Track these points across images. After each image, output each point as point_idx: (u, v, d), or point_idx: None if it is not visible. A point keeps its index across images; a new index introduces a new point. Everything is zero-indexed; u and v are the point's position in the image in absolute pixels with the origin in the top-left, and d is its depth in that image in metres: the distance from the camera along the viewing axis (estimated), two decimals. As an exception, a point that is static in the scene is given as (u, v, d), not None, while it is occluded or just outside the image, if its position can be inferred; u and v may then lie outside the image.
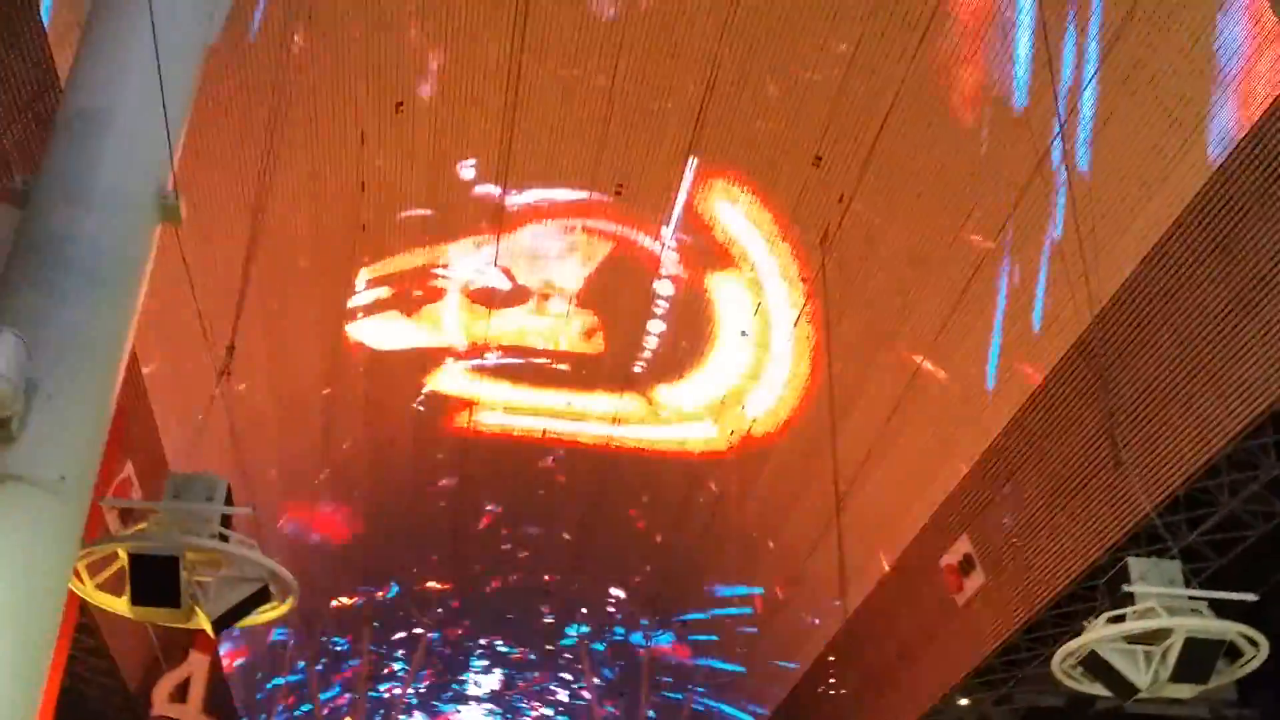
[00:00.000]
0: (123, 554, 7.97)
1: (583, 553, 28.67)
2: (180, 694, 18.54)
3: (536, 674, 35.88)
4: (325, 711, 31.49)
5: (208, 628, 8.32)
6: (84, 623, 13.76)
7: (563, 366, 21.87)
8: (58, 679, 12.56)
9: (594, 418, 22.98)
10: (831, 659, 22.31)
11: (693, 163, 16.95)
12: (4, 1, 9.21)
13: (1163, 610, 8.86)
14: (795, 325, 18.67)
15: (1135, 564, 9.29)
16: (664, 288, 19.69)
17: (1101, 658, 9.00)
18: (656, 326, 20.56)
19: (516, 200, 18.06)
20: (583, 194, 18.07)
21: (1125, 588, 9.06)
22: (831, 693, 22.53)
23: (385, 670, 33.28)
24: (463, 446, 23.85)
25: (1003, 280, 15.38)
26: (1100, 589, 9.90)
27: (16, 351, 5.83)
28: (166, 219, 7.29)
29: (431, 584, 30.66)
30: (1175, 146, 11.74)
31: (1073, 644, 9.24)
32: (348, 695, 32.38)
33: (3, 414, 5.82)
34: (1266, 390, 10.98)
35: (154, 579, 7.91)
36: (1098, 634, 8.99)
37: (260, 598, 8.40)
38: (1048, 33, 12.18)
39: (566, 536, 28.35)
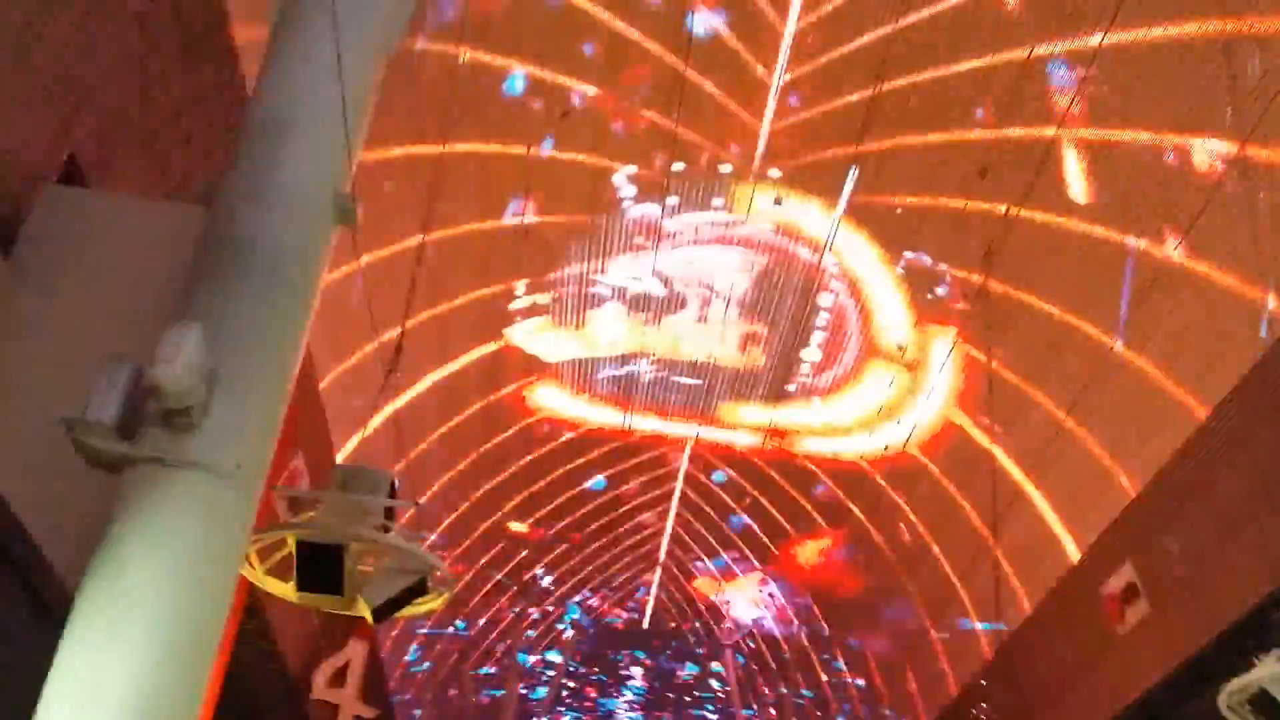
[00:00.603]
0: (291, 541, 8.24)
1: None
2: (339, 679, 19.04)
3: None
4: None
5: (368, 616, 8.55)
6: (250, 605, 14.24)
7: (720, 376, 21.88)
8: (225, 658, 13.04)
9: (745, 427, 22.94)
10: (983, 685, 21.76)
11: (855, 172, 16.81)
12: (194, 16, 9.66)
13: (1340, 649, 8.42)
14: (955, 343, 18.32)
15: (1312, 600, 8.84)
16: (825, 300, 19.56)
17: (1272, 696, 8.59)
18: (817, 338, 20.43)
19: (676, 209, 18.16)
20: (745, 196, 18.09)
21: (1301, 624, 8.63)
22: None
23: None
24: (616, 450, 24.06)
25: (1178, 298, 14.82)
26: (1274, 623, 9.45)
27: (200, 344, 6.10)
28: (343, 221, 7.53)
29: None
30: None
31: (1243, 679, 8.83)
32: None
33: (187, 403, 6.09)
34: None
35: (319, 567, 8.16)
36: (1269, 670, 8.59)
37: (418, 590, 8.60)
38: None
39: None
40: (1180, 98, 13.09)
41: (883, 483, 22.58)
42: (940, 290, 18.13)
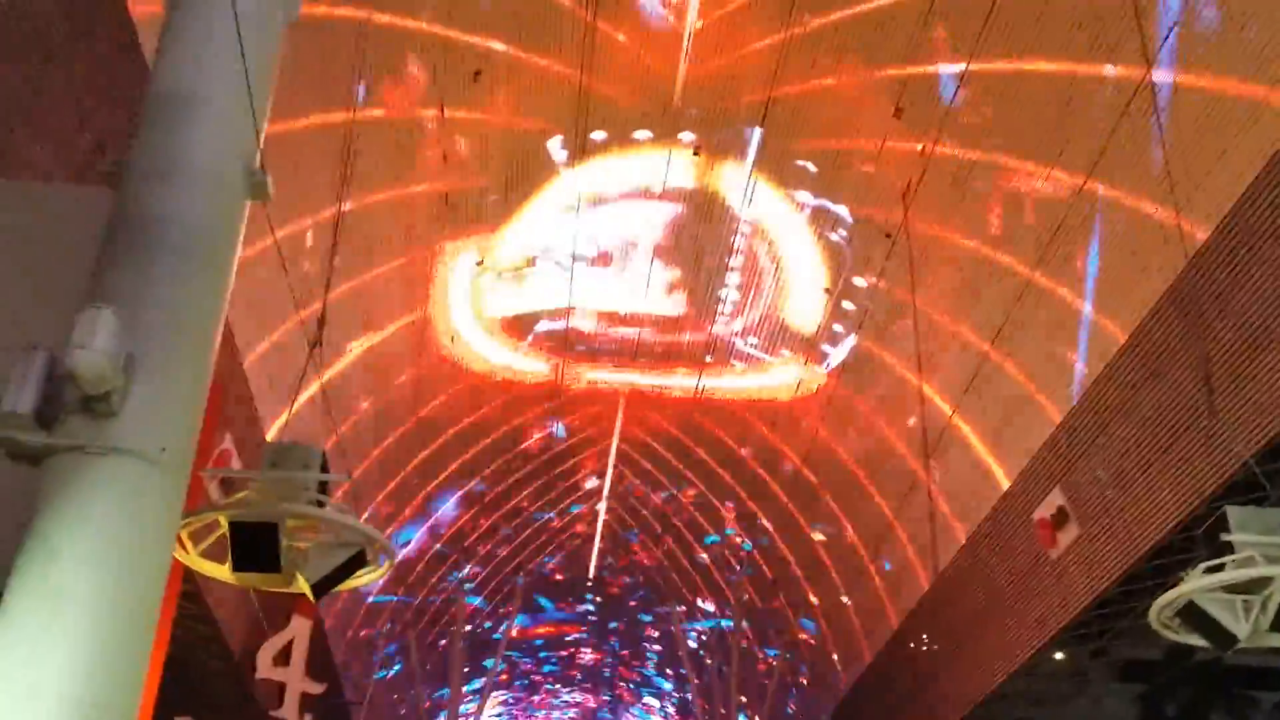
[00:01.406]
0: (223, 522, 8.17)
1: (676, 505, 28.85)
2: (284, 658, 19.01)
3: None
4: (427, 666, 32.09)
5: (308, 592, 8.52)
6: (188, 590, 14.14)
7: (647, 325, 21.95)
8: (164, 644, 12.95)
9: (680, 373, 23.09)
10: (923, 615, 22.21)
11: (769, 118, 16.85)
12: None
13: (1262, 559, 8.68)
14: (879, 279, 18.52)
15: (1234, 512, 9.10)
16: (744, 244, 19.65)
17: (1200, 608, 8.85)
18: (735, 279, 20.55)
19: (594, 164, 18.11)
20: (662, 155, 18.07)
21: (1224, 537, 8.88)
22: (924, 649, 22.43)
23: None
24: (552, 409, 24.08)
25: (1094, 225, 15.09)
26: (1198, 539, 9.74)
27: (116, 327, 6.00)
28: (255, 196, 7.42)
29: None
30: (1270, 82, 11.40)
31: (1170, 595, 9.09)
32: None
33: (103, 388, 5.99)
34: (1369, 332, 10.66)
35: (254, 545, 8.11)
36: (1195, 584, 8.84)
37: (358, 562, 8.58)
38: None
39: (664, 494, 28.54)
40: (1087, 29, 13.26)
41: (809, 423, 22.85)
42: (849, 230, 18.30)
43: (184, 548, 8.35)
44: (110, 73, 10.30)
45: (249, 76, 7.21)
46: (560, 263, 20.37)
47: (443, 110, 16.22)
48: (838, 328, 20.62)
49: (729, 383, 23.10)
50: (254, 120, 7.29)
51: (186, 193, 7.07)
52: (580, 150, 17.62)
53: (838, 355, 21.07)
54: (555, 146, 17.76)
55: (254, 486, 8.60)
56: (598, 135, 17.57)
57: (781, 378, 22.35)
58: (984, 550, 18.74)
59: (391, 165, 16.65)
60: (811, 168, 17.89)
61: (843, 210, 18.38)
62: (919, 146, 16.08)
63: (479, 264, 19.80)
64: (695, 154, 17.97)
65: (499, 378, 22.79)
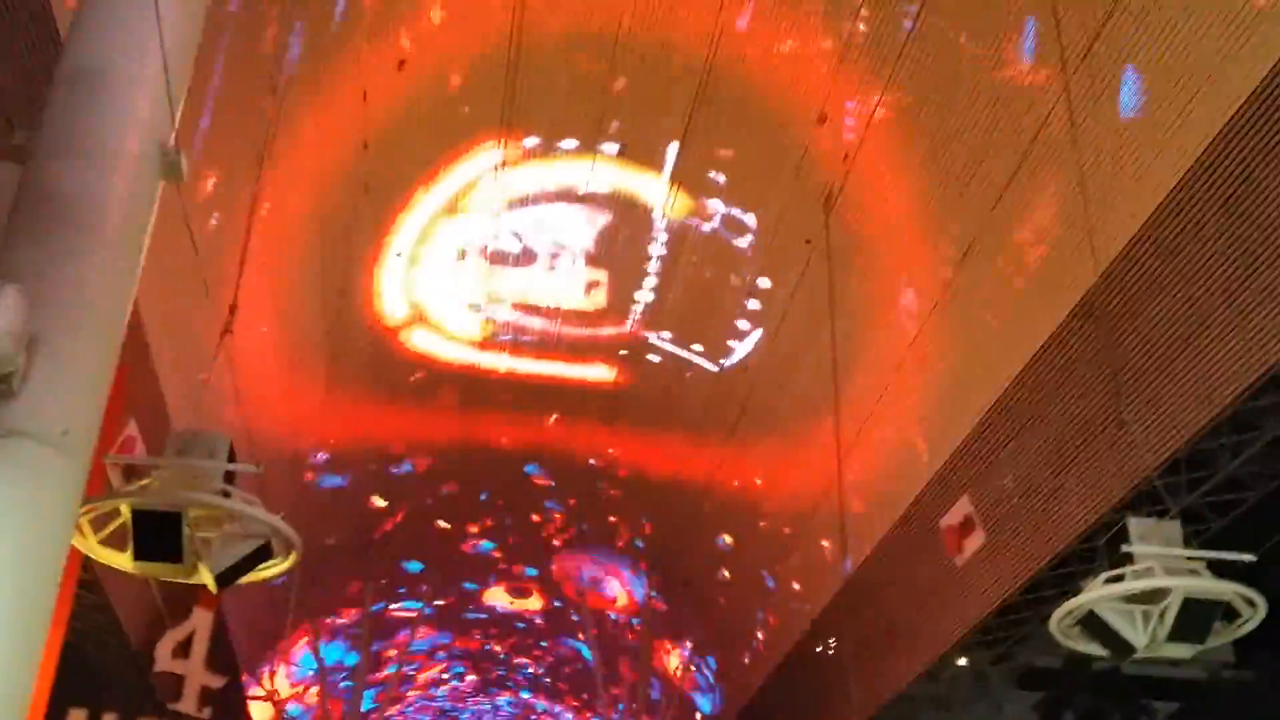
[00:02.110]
0: (125, 510, 8.01)
1: (583, 513, 28.83)
2: (184, 650, 18.69)
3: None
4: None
5: (211, 584, 8.37)
6: (86, 579, 13.84)
7: (570, 324, 21.92)
8: (60, 635, 12.64)
9: (595, 380, 23.08)
10: (830, 619, 22.45)
11: (695, 121, 16.90)
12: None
13: (1161, 570, 8.89)
14: (798, 285, 18.65)
15: (1135, 524, 9.31)
16: (661, 249, 19.71)
17: (1099, 617, 9.03)
18: (651, 283, 20.61)
19: (520, 158, 18.03)
20: (587, 153, 18.06)
21: (1125, 548, 9.08)
22: (830, 652, 22.69)
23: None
24: (469, 401, 23.91)
25: (1007, 238, 15.34)
26: (1100, 549, 9.95)
27: (18, 306, 5.83)
28: (168, 176, 7.27)
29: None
30: (1184, 102, 11.67)
31: (1071, 603, 9.27)
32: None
33: (5, 369, 5.82)
34: (1270, 351, 10.98)
35: (157, 535, 7.96)
36: (1096, 594, 9.02)
37: (263, 554, 8.45)
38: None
39: (570, 502, 28.52)
40: (1008, 44, 13.49)
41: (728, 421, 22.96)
42: (769, 234, 18.42)
43: (84, 535, 8.16)
44: (21, 43, 10.02)
45: (165, 53, 7.05)
46: (483, 257, 20.26)
47: (365, 98, 16.02)
48: (743, 324, 20.76)
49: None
50: (170, 98, 7.12)
51: (97, 170, 6.92)
52: (506, 146, 17.52)
53: (741, 351, 21.22)
54: (480, 141, 17.63)
55: (158, 474, 8.44)
56: (527, 139, 17.52)
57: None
58: (893, 556, 19.00)
59: (311, 151, 16.40)
60: (722, 178, 17.99)
61: (757, 215, 18.48)
62: (843, 155, 16.22)
63: (398, 255, 19.62)
64: (621, 153, 17.98)
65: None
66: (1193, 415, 11.89)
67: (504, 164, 17.94)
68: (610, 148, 17.96)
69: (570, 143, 17.98)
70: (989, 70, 13.88)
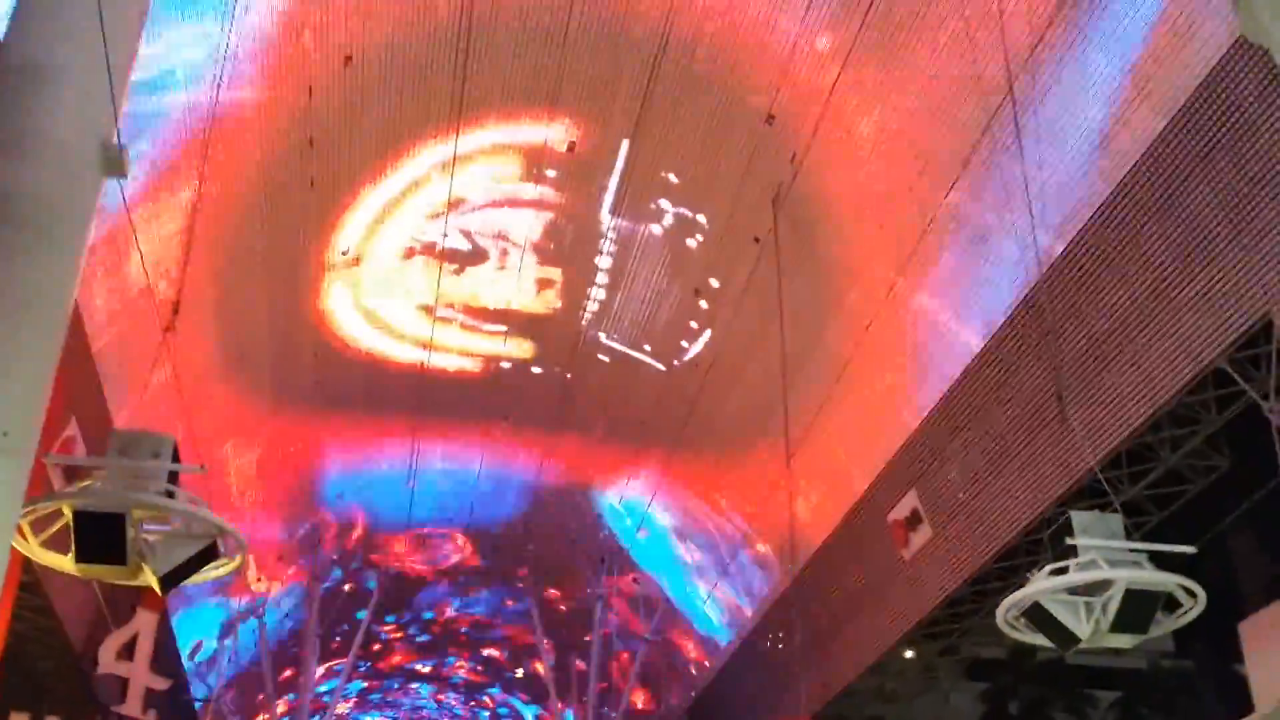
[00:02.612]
0: (67, 511, 7.90)
1: (540, 504, 28.76)
2: (128, 652, 18.46)
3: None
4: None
5: (155, 585, 8.28)
6: (27, 581, 13.64)
7: (519, 322, 21.85)
8: (1, 638, 12.46)
9: (549, 369, 23.05)
10: (779, 612, 22.58)
11: (643, 119, 16.92)
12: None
13: (1104, 562, 9.03)
14: (747, 284, 18.73)
15: (1078, 517, 9.45)
16: (613, 245, 19.70)
17: (1044, 609, 9.17)
18: (603, 279, 20.58)
19: (468, 156, 17.95)
20: (537, 147, 18.01)
21: (1068, 540, 9.22)
22: (779, 646, 22.81)
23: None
24: (417, 400, 23.77)
25: (952, 238, 15.50)
26: (1044, 542, 10.09)
27: (-45, 305, 5.74)
28: (111, 172, 7.17)
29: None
30: (1123, 105, 11.86)
31: (1016, 595, 9.40)
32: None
33: (-58, 369, 5.73)
34: (1207, 347, 11.19)
35: (99, 536, 7.85)
36: (1040, 585, 9.16)
37: (208, 555, 8.37)
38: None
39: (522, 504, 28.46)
40: (956, 46, 13.62)
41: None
42: (718, 233, 18.48)
43: (24, 537, 8.03)
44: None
45: (108, 48, 6.95)
46: (431, 256, 20.12)
47: (311, 94, 15.87)
48: (694, 324, 20.82)
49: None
50: (112, 93, 7.02)
51: (37, 166, 6.82)
52: (456, 142, 17.42)
53: (692, 351, 21.28)
54: (428, 139, 17.52)
55: (100, 475, 8.33)
56: (472, 130, 17.41)
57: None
58: (841, 551, 19.13)
59: (257, 146, 16.22)
60: (674, 177, 18.02)
61: (708, 214, 18.54)
62: (791, 154, 16.30)
63: (344, 254, 19.44)
64: (569, 150, 17.94)
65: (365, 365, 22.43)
66: (1134, 410, 12.09)
67: (453, 161, 17.83)
68: (560, 144, 17.91)
69: (520, 138, 17.89)
70: (935, 69, 14.01)
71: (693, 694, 30.56)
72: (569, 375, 22.93)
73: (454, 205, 18.88)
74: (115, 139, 7.16)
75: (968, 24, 13.16)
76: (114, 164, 7.14)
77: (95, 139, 7.09)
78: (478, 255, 20.35)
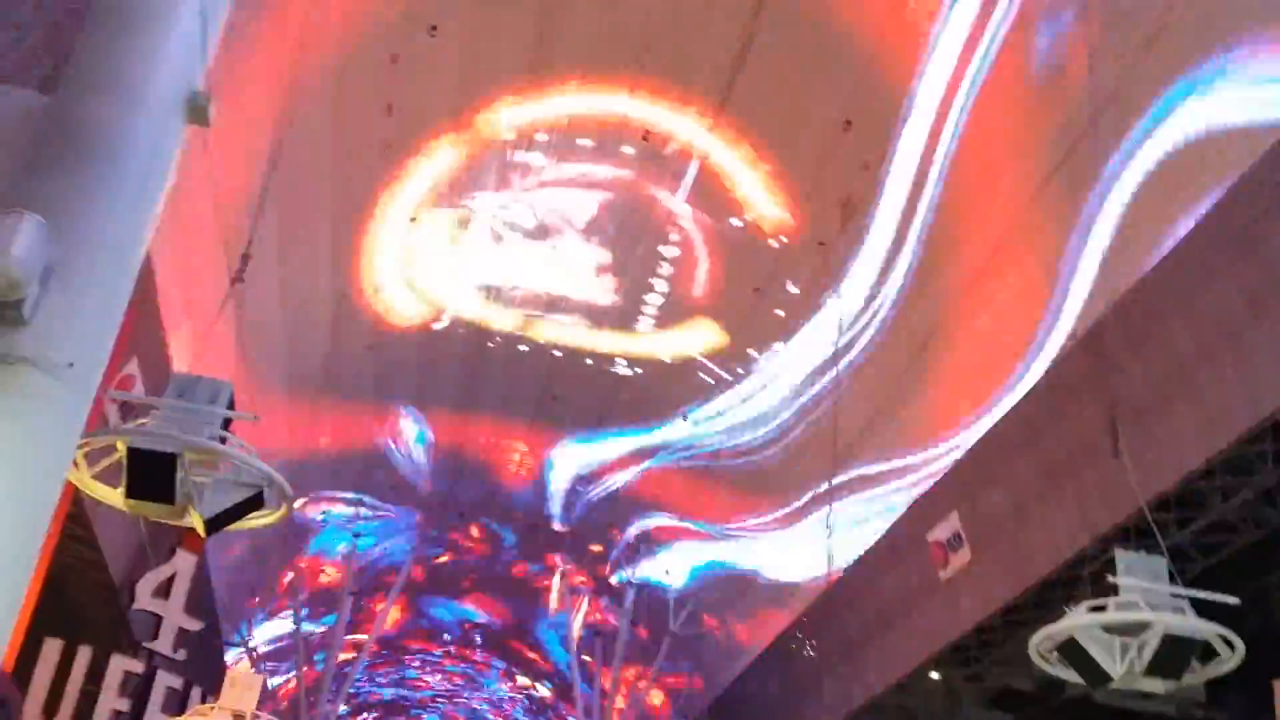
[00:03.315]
0: (121, 446, 8.01)
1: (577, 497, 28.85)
2: (164, 591, 18.73)
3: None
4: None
5: (199, 528, 8.39)
6: (74, 512, 13.88)
7: (575, 304, 21.88)
8: (45, 563, 12.70)
9: (600, 355, 23.07)
10: (809, 620, 22.50)
11: (721, 116, 16.88)
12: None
13: (1144, 604, 8.92)
14: (808, 289, 18.66)
15: (1123, 556, 9.34)
16: (679, 236, 19.65)
17: (1079, 644, 9.06)
18: (666, 270, 20.54)
19: (543, 136, 17.99)
20: (610, 137, 18.01)
21: (1110, 578, 9.11)
22: (805, 654, 22.74)
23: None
24: (470, 371, 23.90)
25: (1019, 264, 15.35)
26: (1084, 577, 9.98)
27: (36, 236, 5.82)
28: (194, 120, 7.24)
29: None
30: (1205, 144, 11.69)
31: (1053, 627, 9.31)
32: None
33: (17, 296, 5.82)
34: (1271, 395, 10.98)
35: (151, 474, 7.95)
36: (1079, 620, 9.06)
37: (254, 503, 8.46)
38: (1090, 19, 12.09)
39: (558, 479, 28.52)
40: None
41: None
42: (787, 234, 18.39)
43: (78, 468, 8.17)
44: (58, -25, 9.99)
45: (203, -3, 7.04)
46: (495, 231, 20.20)
47: (394, 61, 15.99)
48: (752, 324, 20.75)
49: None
50: (203, 41, 7.11)
51: (125, 107, 6.88)
52: (530, 118, 17.47)
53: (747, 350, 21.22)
54: (505, 112, 17.58)
55: (157, 415, 8.44)
56: (549, 105, 17.43)
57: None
58: (877, 565, 19.01)
59: (333, 108, 16.38)
60: (751, 172, 17.94)
61: (775, 212, 18.46)
62: (864, 162, 16.22)
63: (411, 220, 19.57)
64: (644, 139, 17.92)
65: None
66: (1190, 453, 11.90)
67: (528, 135, 17.89)
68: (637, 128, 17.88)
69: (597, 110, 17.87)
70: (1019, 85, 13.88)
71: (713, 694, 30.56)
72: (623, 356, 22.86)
73: (523, 180, 18.93)
74: (202, 87, 7.25)
75: (1052, 44, 13.04)
76: (199, 112, 7.21)
77: (182, 86, 7.17)
78: (541, 233, 20.38)
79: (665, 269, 20.40)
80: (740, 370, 21.71)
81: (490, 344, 22.87)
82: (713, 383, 22.37)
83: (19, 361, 5.86)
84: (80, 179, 6.48)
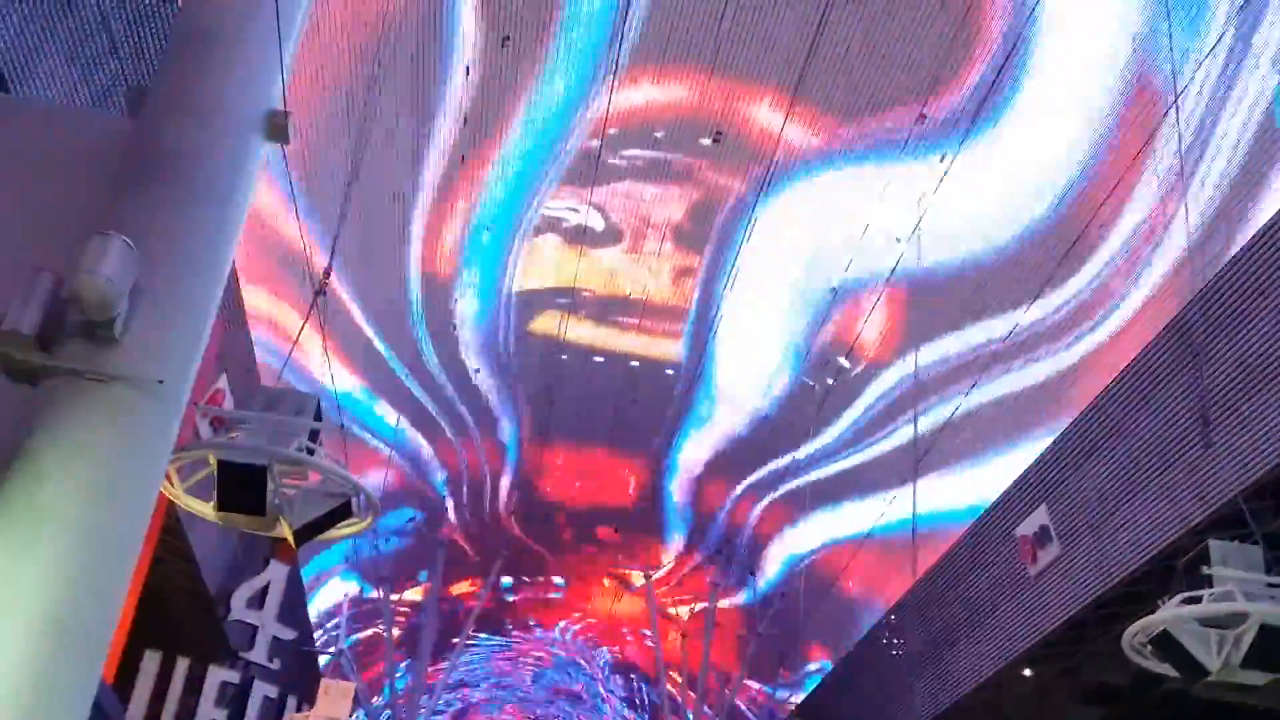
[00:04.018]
0: (213, 460, 8.19)
1: (654, 491, 28.89)
2: (259, 601, 19.08)
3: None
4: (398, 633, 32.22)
5: (290, 538, 8.54)
6: (170, 525, 14.19)
7: (652, 308, 21.92)
8: (143, 576, 13.00)
9: (672, 360, 23.10)
10: (895, 619, 22.28)
11: (793, 112, 16.81)
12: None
13: (1241, 595, 8.73)
14: (886, 284, 18.51)
15: (1217, 546, 9.16)
16: (754, 234, 19.57)
17: (1173, 637, 8.90)
18: (745, 276, 20.47)
19: (617, 142, 18.07)
20: (683, 138, 18.04)
21: (1204, 570, 8.93)
22: (894, 653, 22.51)
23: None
24: (549, 380, 24.06)
25: (1104, 248, 15.10)
26: (1178, 569, 9.79)
27: (125, 256, 5.99)
28: (273, 138, 7.41)
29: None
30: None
31: (1147, 620, 9.14)
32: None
33: (108, 315, 5.99)
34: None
35: (241, 486, 8.12)
36: (1173, 613, 8.89)
37: (342, 513, 8.60)
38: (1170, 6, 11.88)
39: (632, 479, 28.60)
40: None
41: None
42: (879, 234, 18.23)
43: (171, 482, 8.37)
44: (140, 3, 10.28)
45: (279, 17, 7.19)
46: (569, 236, 20.32)
47: (468, 73, 16.18)
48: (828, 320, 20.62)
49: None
50: (280, 61, 7.27)
51: (206, 128, 7.06)
52: (602, 127, 17.56)
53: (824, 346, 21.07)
54: (578, 120, 17.68)
55: (246, 428, 8.61)
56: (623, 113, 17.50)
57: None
58: (963, 562, 18.78)
59: (410, 121, 16.61)
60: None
61: (851, 210, 18.33)
62: (940, 156, 16.05)
63: (487, 231, 19.77)
64: (715, 140, 17.92)
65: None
66: (1283, 440, 11.60)
67: (601, 147, 17.98)
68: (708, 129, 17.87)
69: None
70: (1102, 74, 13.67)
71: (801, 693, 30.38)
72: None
73: (597, 187, 19.02)
74: (281, 105, 7.40)
75: (1136, 31, 12.82)
76: (278, 131, 7.37)
77: (261, 105, 7.33)
78: (615, 237, 20.44)
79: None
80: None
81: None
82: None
83: (111, 379, 6.03)
84: (165, 200, 6.66)
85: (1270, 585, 8.88)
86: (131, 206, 6.66)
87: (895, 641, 22.44)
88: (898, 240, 17.61)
